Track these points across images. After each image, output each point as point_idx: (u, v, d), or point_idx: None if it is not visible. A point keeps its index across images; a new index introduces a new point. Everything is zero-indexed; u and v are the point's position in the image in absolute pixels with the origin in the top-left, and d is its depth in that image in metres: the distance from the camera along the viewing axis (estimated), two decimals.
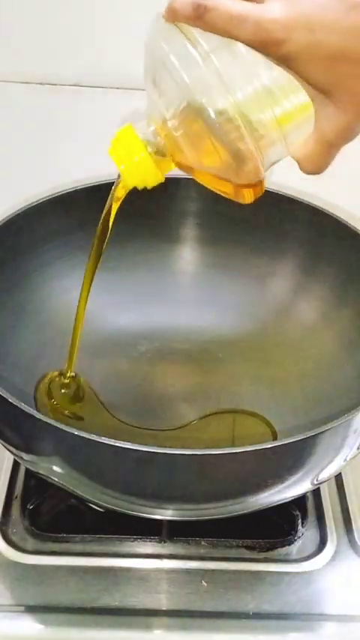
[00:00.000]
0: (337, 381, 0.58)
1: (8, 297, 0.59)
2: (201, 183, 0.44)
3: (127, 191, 0.49)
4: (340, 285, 0.61)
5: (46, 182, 0.63)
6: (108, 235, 0.52)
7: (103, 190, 0.61)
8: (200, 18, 0.37)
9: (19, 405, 0.43)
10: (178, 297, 0.66)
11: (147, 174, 0.45)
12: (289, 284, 0.64)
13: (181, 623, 0.49)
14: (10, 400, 0.43)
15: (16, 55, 0.62)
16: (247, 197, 0.44)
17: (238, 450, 0.42)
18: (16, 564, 0.52)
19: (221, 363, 0.63)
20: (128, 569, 0.52)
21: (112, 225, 0.52)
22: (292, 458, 0.44)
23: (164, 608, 0.50)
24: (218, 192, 0.44)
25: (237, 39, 0.37)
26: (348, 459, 0.48)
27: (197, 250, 0.66)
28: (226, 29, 0.37)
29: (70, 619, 0.49)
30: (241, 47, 0.37)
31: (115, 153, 0.45)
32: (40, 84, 0.64)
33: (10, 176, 0.69)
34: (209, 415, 0.59)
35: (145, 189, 0.47)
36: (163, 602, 0.50)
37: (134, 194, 0.63)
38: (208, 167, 0.42)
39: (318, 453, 0.45)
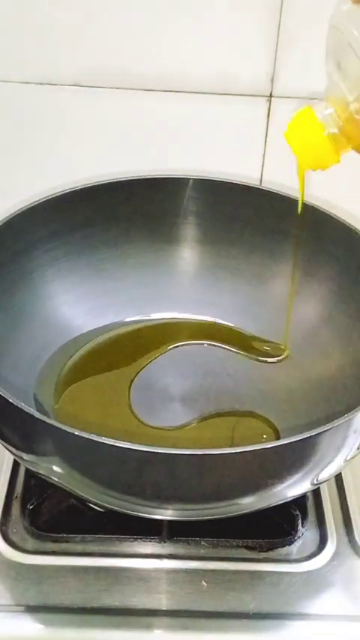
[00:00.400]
0: (337, 381, 0.58)
1: (8, 297, 0.59)
2: None
3: (304, 172, 0.49)
4: (340, 285, 0.61)
5: (46, 182, 0.63)
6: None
7: (102, 191, 0.62)
8: None
9: (19, 405, 0.43)
10: (178, 298, 0.66)
11: (323, 157, 0.45)
12: (289, 284, 0.64)
13: (181, 623, 0.49)
14: (10, 400, 0.43)
15: (16, 55, 0.62)
16: None
17: (238, 450, 0.42)
18: (16, 564, 0.52)
19: (221, 363, 0.63)
20: (128, 569, 0.52)
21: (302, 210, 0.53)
22: (292, 458, 0.44)
23: (164, 608, 0.50)
24: None
25: None
26: (348, 459, 0.48)
27: (197, 250, 0.66)
28: None
29: (70, 619, 0.49)
30: None
31: (292, 135, 0.45)
32: (40, 84, 0.64)
33: (10, 176, 0.69)
34: (210, 415, 0.59)
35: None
36: (163, 602, 0.50)
37: (134, 194, 0.63)
38: None
39: (318, 453, 0.45)
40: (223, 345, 0.64)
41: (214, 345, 0.64)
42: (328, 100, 0.44)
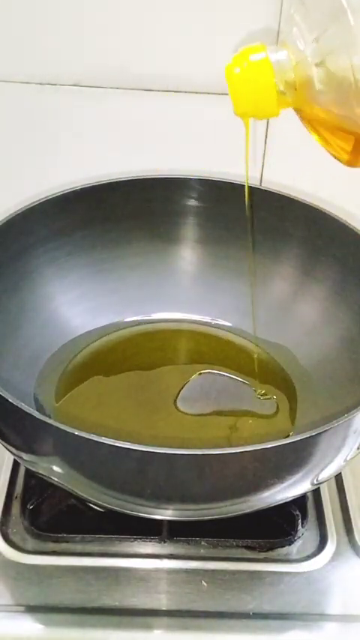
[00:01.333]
0: (337, 380, 0.58)
1: (8, 297, 0.59)
2: (312, 135, 0.38)
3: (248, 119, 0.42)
4: (340, 285, 0.61)
5: (46, 182, 0.63)
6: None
7: (102, 191, 0.62)
8: None
9: (19, 405, 0.43)
10: (178, 298, 0.66)
11: (265, 105, 0.38)
12: (289, 284, 0.64)
13: (181, 623, 0.49)
14: (10, 400, 0.43)
15: (16, 55, 0.62)
16: None
17: (238, 450, 0.42)
18: (16, 564, 0.52)
19: (222, 363, 0.63)
20: (128, 569, 0.52)
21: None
22: (292, 458, 0.44)
23: (164, 608, 0.50)
24: (329, 150, 0.38)
25: None
26: (348, 459, 0.48)
27: (197, 250, 0.66)
28: None
29: (70, 619, 0.49)
30: None
31: (234, 72, 0.38)
32: (40, 84, 0.64)
33: (10, 176, 0.69)
34: (209, 415, 0.59)
35: None
36: (163, 602, 0.50)
37: (134, 194, 0.63)
38: (337, 113, 0.36)
39: (318, 453, 0.45)
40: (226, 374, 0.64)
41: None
42: (283, 42, 0.38)
